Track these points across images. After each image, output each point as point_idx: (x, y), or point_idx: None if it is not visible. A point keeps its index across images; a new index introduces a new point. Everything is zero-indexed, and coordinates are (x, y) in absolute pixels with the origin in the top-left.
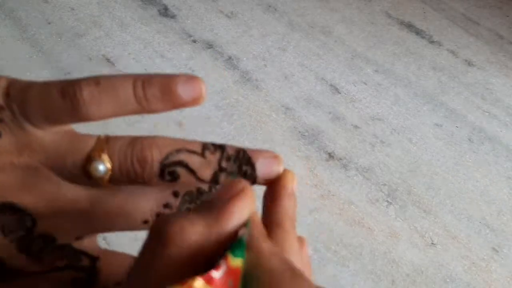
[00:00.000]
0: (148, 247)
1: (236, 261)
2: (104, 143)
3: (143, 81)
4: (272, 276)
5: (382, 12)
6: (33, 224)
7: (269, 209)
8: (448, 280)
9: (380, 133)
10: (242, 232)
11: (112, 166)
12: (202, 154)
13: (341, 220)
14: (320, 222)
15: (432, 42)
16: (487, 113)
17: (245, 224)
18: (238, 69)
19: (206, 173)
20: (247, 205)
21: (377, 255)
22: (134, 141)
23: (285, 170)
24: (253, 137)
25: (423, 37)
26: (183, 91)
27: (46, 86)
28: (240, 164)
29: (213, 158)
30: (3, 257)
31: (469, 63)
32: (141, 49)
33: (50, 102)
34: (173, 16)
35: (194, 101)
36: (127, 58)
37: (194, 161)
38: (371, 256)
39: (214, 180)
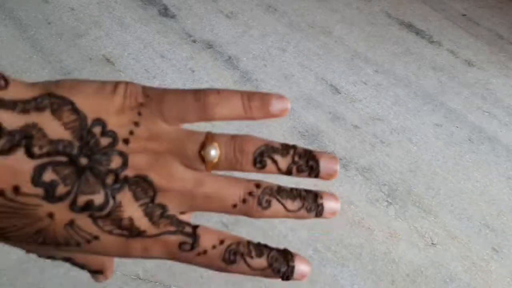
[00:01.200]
0: None
1: None
2: (213, 136)
3: (248, 95)
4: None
5: (382, 12)
6: (154, 195)
7: None
8: (448, 280)
9: (380, 133)
10: None
11: (220, 153)
12: (282, 150)
13: (341, 220)
14: (320, 222)
15: (432, 42)
16: (487, 113)
17: None
18: (238, 69)
19: (283, 164)
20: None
21: (377, 255)
22: (235, 137)
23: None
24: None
25: (423, 37)
26: (276, 104)
27: (180, 92)
28: (307, 159)
29: (288, 154)
30: (133, 218)
31: (469, 63)
32: (141, 49)
33: (185, 104)
34: (173, 16)
35: (282, 113)
36: (127, 58)
37: (276, 154)
38: (371, 256)
39: (288, 170)
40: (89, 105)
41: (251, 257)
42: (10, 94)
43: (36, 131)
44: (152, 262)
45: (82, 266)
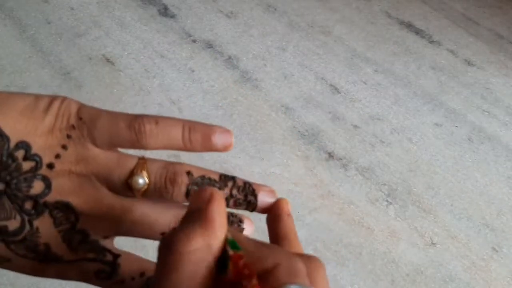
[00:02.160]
0: (159, 259)
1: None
2: (144, 163)
3: (190, 127)
4: (249, 253)
5: (382, 12)
6: (76, 220)
7: (273, 227)
8: (448, 279)
9: (380, 133)
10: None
11: (149, 182)
12: (219, 183)
13: (341, 220)
14: (320, 222)
15: (432, 42)
16: (487, 113)
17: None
18: (238, 69)
19: None
20: (223, 208)
21: (377, 255)
22: (168, 165)
23: (280, 199)
24: (253, 137)
25: (423, 37)
26: (218, 139)
27: (114, 117)
28: (246, 193)
29: (226, 186)
30: (50, 244)
31: (469, 63)
32: (141, 49)
33: (117, 131)
34: (173, 16)
35: (224, 148)
36: (126, 58)
37: (212, 187)
38: (371, 256)
39: (226, 203)
40: (17, 125)
41: None
42: None
43: None
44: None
45: None
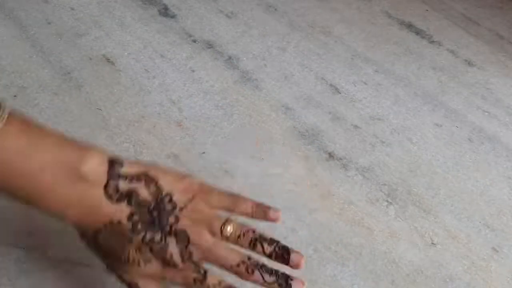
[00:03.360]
0: None
1: None
2: (231, 220)
3: (257, 205)
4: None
5: (382, 12)
6: (188, 244)
7: None
8: (448, 280)
9: (380, 133)
10: None
11: (232, 231)
12: (269, 241)
13: (341, 220)
14: (320, 222)
15: (432, 42)
16: (487, 113)
17: None
18: (238, 69)
19: (268, 251)
20: None
21: (377, 255)
22: (243, 225)
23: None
24: (253, 137)
25: (423, 37)
26: (271, 214)
27: (221, 193)
28: (283, 252)
29: (272, 244)
30: (172, 254)
31: (469, 63)
32: (141, 49)
33: (221, 201)
34: (173, 16)
35: (276, 221)
36: (127, 58)
37: (265, 243)
38: (371, 256)
39: (269, 255)
40: (166, 184)
41: None
42: (125, 170)
43: (135, 192)
44: None
45: None
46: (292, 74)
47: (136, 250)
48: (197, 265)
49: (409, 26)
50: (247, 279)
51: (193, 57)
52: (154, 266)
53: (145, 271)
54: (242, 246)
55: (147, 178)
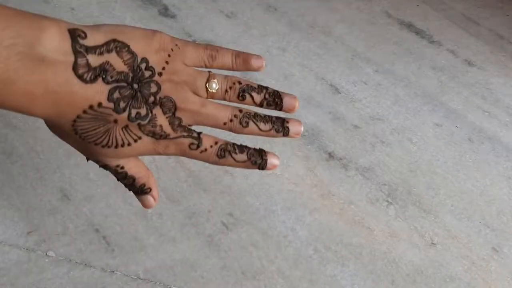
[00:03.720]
0: None
1: None
2: (214, 75)
3: (236, 53)
4: None
5: (382, 12)
6: (175, 111)
7: None
8: (448, 280)
9: (380, 133)
10: None
11: (218, 86)
12: (258, 89)
13: (341, 220)
14: (320, 222)
15: (432, 42)
16: (487, 113)
17: None
18: None
19: (258, 99)
20: None
21: (377, 255)
22: (228, 77)
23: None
24: (253, 137)
25: (423, 37)
26: (254, 62)
27: (197, 45)
28: (274, 97)
29: (262, 92)
30: (162, 125)
31: (469, 63)
32: None
33: (199, 54)
34: (173, 16)
35: (258, 68)
36: None
37: (254, 92)
38: (371, 256)
39: (261, 104)
40: (138, 47)
41: (236, 153)
42: (90, 42)
43: (108, 66)
44: (153, 263)
45: (132, 179)
46: (292, 74)
47: (123, 131)
48: (189, 130)
49: (409, 26)
50: (242, 133)
51: None
52: (145, 143)
53: (135, 150)
54: (230, 100)
55: (117, 45)
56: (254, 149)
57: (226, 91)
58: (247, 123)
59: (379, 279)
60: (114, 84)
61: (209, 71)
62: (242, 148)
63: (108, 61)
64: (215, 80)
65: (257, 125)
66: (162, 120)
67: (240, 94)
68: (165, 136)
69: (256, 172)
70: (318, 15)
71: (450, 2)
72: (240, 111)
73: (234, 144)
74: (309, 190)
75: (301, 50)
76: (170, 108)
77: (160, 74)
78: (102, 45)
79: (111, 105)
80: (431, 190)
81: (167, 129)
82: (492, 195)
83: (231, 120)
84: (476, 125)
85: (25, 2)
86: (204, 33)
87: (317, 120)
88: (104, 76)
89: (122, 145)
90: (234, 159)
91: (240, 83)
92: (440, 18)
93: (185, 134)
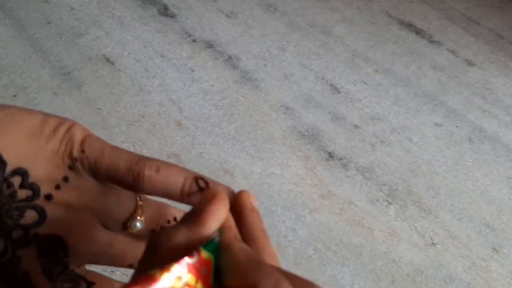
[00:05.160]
0: (145, 253)
1: (207, 254)
2: (142, 207)
3: (191, 181)
4: (238, 266)
5: (382, 12)
6: (65, 256)
7: (238, 227)
8: (448, 280)
9: (380, 133)
10: (214, 235)
11: (142, 227)
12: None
13: (341, 220)
14: (320, 222)
15: (432, 41)
16: (487, 113)
17: (219, 229)
18: (238, 69)
19: None
20: (221, 209)
21: (377, 255)
22: (161, 210)
23: (240, 192)
24: (253, 137)
25: (423, 37)
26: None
27: (116, 155)
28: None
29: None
30: (29, 274)
31: (469, 63)
32: (141, 49)
33: (116, 172)
34: (173, 16)
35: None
36: (127, 58)
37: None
38: (371, 256)
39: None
40: (17, 150)
41: None
42: None
43: None
44: None
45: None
46: (292, 74)
47: None
48: (75, 278)
49: (410, 26)
50: None
51: (193, 56)
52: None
53: None
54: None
55: None
56: None
57: (153, 230)
58: None
59: (379, 279)
60: None
61: (137, 198)
62: None
63: None
64: (142, 218)
65: None
66: (31, 266)
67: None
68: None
69: (256, 172)
70: (318, 15)
71: (450, 2)
72: (153, 232)
73: None
74: (309, 190)
75: (301, 50)
76: (56, 251)
77: (48, 196)
78: None
79: None
80: (431, 190)
81: (38, 280)
82: (492, 195)
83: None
84: (476, 125)
85: (25, 2)
86: (204, 32)
87: (317, 120)
88: None
89: None
90: None
91: (175, 219)
92: (440, 18)
93: (66, 286)
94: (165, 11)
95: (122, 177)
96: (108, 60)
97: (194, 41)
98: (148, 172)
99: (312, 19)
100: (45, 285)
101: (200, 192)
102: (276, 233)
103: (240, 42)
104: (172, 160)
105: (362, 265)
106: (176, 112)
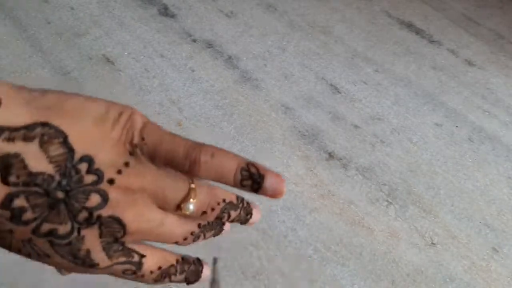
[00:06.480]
0: None
1: None
2: (195, 190)
3: (243, 167)
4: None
5: (382, 12)
6: (123, 235)
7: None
8: (448, 280)
9: (380, 133)
10: None
11: (196, 208)
12: (236, 205)
13: (341, 220)
14: (320, 222)
15: (432, 41)
16: (487, 113)
17: None
18: (238, 69)
19: (233, 216)
20: None
21: (377, 255)
22: (211, 192)
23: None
24: (253, 137)
25: (423, 37)
26: (269, 184)
27: (175, 142)
28: (246, 213)
29: (239, 208)
30: (90, 251)
31: (469, 63)
32: (141, 49)
33: (175, 158)
34: (173, 16)
35: (274, 195)
36: (127, 58)
37: (232, 210)
38: (371, 256)
39: (232, 220)
40: (84, 138)
41: (175, 275)
42: (6, 117)
43: (17, 161)
44: None
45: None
46: (292, 74)
47: (23, 242)
48: (129, 254)
49: (410, 26)
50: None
51: (193, 56)
52: (58, 261)
53: (43, 262)
54: (207, 219)
55: (45, 132)
56: (194, 263)
57: (206, 212)
58: (199, 237)
59: (379, 279)
60: (20, 188)
61: (190, 186)
62: (183, 266)
63: (19, 154)
64: (194, 201)
65: (205, 236)
66: (93, 244)
67: (219, 216)
68: (92, 265)
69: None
70: (318, 14)
71: (450, 2)
72: (199, 225)
73: (177, 262)
74: (309, 190)
75: (301, 50)
76: (113, 232)
77: (111, 181)
78: (19, 128)
79: (6, 213)
80: (431, 190)
81: (98, 256)
82: (492, 195)
83: (185, 238)
84: (476, 124)
85: (25, 2)
86: (204, 32)
87: (317, 120)
88: (4, 175)
89: (20, 253)
90: (171, 281)
91: (224, 201)
92: (440, 18)
93: (122, 260)
94: (165, 11)
95: (179, 162)
96: (108, 60)
97: (194, 41)
98: (204, 158)
99: (312, 19)
100: (104, 260)
101: (251, 179)
102: (276, 233)
103: (240, 42)
104: None
105: (362, 265)
106: (176, 112)
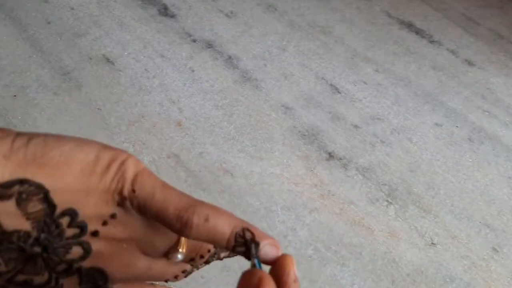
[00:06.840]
0: None
1: None
2: (184, 242)
3: (238, 232)
4: None
5: (382, 12)
6: (104, 284)
7: None
8: (448, 280)
9: (380, 133)
10: None
11: (184, 257)
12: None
13: (341, 220)
14: (320, 222)
15: (432, 41)
16: (487, 113)
17: None
18: (238, 69)
19: (224, 256)
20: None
21: (377, 255)
22: (201, 245)
23: (284, 255)
24: (253, 137)
25: (423, 37)
26: (264, 253)
27: (167, 199)
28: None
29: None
30: None
31: (469, 63)
32: (141, 49)
33: (165, 216)
34: (173, 16)
35: (269, 263)
36: (127, 58)
37: (222, 252)
38: (371, 256)
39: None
40: (68, 191)
41: None
42: None
43: None
44: None
45: None
46: (292, 74)
47: (1, 286)
48: None
49: (410, 26)
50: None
51: (193, 56)
52: None
53: None
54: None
55: (23, 190)
56: None
57: (194, 258)
58: (191, 273)
59: (379, 279)
60: None
61: (180, 237)
62: None
63: None
64: (183, 251)
65: (198, 269)
66: None
67: (207, 261)
68: None
69: (256, 172)
70: (318, 15)
71: (450, 2)
72: (191, 262)
73: None
74: (309, 190)
75: (301, 50)
76: (95, 281)
77: (95, 232)
78: None
79: None
80: (431, 190)
81: None
82: (492, 195)
83: (176, 277)
84: (476, 125)
85: (25, 2)
86: (204, 32)
87: (317, 120)
88: None
89: None
90: None
91: (208, 251)
92: (440, 18)
93: None
94: (165, 11)
95: (170, 222)
96: (108, 60)
97: (194, 41)
98: (197, 221)
99: (312, 19)
100: None
101: (244, 245)
102: (276, 233)
103: (240, 42)
104: (171, 160)
105: (362, 265)
106: (176, 112)
